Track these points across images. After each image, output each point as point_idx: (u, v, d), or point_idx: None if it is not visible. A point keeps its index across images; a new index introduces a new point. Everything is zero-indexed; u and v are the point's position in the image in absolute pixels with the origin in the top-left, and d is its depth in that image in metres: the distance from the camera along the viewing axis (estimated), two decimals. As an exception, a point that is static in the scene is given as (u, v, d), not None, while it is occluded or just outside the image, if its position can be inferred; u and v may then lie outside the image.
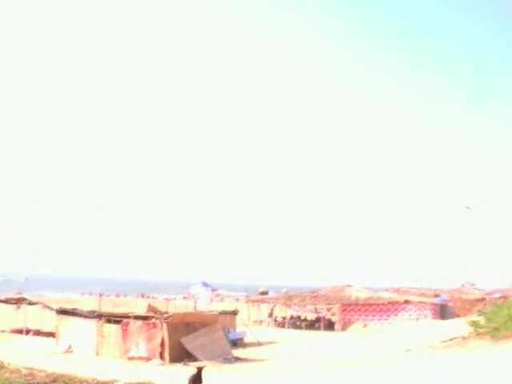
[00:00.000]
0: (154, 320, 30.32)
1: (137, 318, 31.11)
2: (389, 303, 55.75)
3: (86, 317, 32.72)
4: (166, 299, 72.37)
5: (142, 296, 77.92)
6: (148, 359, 29.17)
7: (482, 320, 29.09)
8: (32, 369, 23.99)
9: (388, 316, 55.07)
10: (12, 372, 23.53)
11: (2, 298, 41.60)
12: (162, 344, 29.39)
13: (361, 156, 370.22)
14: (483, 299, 61.08)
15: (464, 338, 27.31)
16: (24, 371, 23.59)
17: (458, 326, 32.90)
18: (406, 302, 56.04)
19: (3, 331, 36.81)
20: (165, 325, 29.64)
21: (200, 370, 16.17)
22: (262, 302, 63.44)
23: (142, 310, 32.53)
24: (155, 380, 19.99)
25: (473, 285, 74.73)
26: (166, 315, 30.58)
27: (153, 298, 77.76)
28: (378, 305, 55.75)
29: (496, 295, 61.57)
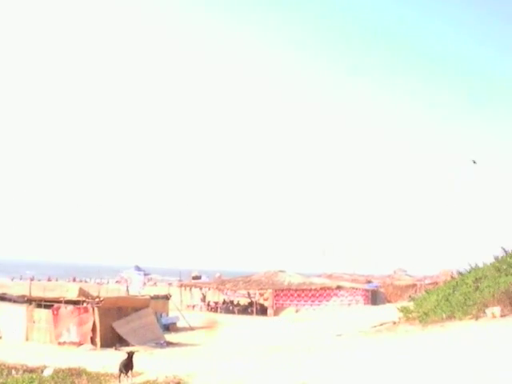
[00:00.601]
0: (85, 304, 30.07)
1: (68, 302, 30.80)
2: (321, 289, 56.34)
3: (15, 302, 32.24)
4: (98, 283, 71.72)
5: (74, 280, 76.82)
6: (79, 344, 28.96)
7: (412, 305, 29.68)
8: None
9: (320, 301, 55.70)
10: None
11: None
12: (94, 329, 29.21)
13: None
14: (414, 285, 62.25)
15: (394, 323, 27.86)
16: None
17: (389, 311, 33.53)
18: (338, 287, 56.73)
19: None
20: (96, 309, 29.44)
21: (131, 354, 16.11)
22: (195, 286, 63.37)
23: (73, 295, 32.21)
24: (86, 365, 19.84)
25: (404, 271, 75.89)
26: (97, 300, 30.37)
27: (85, 282, 76.85)
28: (310, 290, 56.29)
29: (426, 281, 62.72)
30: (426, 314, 25.49)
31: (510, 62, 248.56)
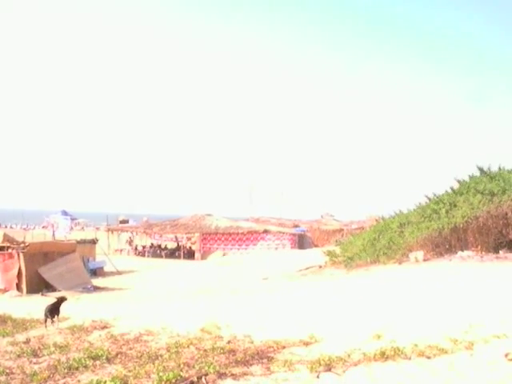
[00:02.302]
0: (10, 250, 29.78)
1: (-8, 249, 30.41)
2: (248, 232, 57.02)
3: None
4: (23, 229, 70.69)
5: (-1, 226, 75.54)
6: (5, 291, 28.77)
7: (338, 250, 30.38)
8: None
9: (247, 245, 56.43)
10: None
11: None
12: (19, 275, 29.03)
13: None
14: (341, 230, 63.48)
15: (320, 266, 28.55)
16: None
17: (316, 255, 34.26)
18: (266, 231, 57.50)
19: None
20: (21, 255, 29.22)
21: (58, 300, 16.21)
22: (122, 230, 63.29)
23: (-5, 241, 31.80)
24: (12, 311, 19.83)
25: (331, 216, 77.04)
26: (22, 245, 30.11)
27: (10, 227, 75.73)
28: (237, 234, 56.92)
29: (353, 226, 64.06)
30: (351, 258, 26.18)
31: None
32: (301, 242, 58.95)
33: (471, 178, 25.65)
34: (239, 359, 9.77)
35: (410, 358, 8.88)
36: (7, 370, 10.35)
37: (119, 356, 11.06)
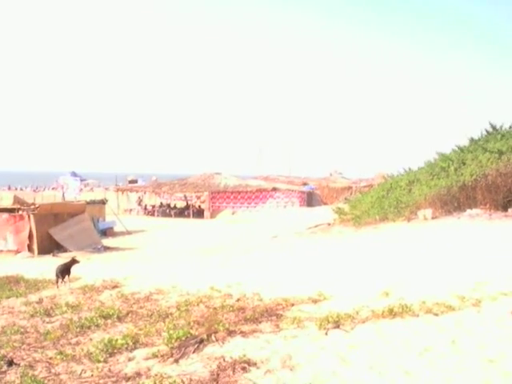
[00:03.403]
0: (20, 212, 29.97)
1: (2, 211, 30.60)
2: (257, 191, 56.92)
3: None
4: (34, 191, 71.01)
5: (9, 188, 75.80)
6: (17, 252, 29.01)
7: (346, 207, 30.35)
8: None
9: (256, 203, 56.42)
10: None
11: None
12: (30, 236, 29.24)
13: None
14: (349, 188, 63.13)
15: (329, 224, 28.54)
16: None
17: (325, 213, 34.29)
18: (274, 189, 57.36)
19: None
20: (32, 216, 29.39)
21: (70, 261, 16.39)
22: (131, 190, 63.35)
23: (8, 203, 31.98)
24: (24, 272, 20.06)
25: (340, 174, 76.46)
26: (32, 207, 30.29)
27: (20, 190, 75.96)
28: (246, 192, 56.87)
29: (362, 184, 63.66)
30: (359, 215, 26.18)
31: None
32: (309, 199, 58.85)
33: (480, 136, 25.55)
34: (248, 317, 9.90)
35: (417, 315, 8.98)
36: (22, 329, 10.55)
37: (130, 315, 11.23)
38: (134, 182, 72.06)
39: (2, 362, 8.25)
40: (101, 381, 7.44)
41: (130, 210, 60.03)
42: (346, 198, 43.59)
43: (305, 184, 65.37)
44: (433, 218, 21.09)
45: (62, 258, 23.38)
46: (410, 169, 29.91)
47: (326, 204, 55.93)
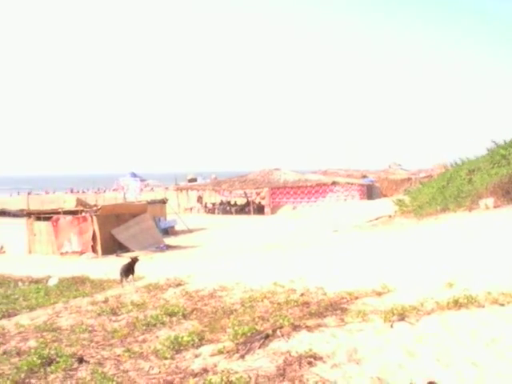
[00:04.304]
0: (83, 214, 30.51)
1: (66, 213, 31.23)
2: (317, 185, 56.56)
3: (15, 216, 32.67)
4: (95, 193, 72.22)
5: (72, 192, 77.27)
6: (81, 253, 29.58)
7: (407, 199, 30.02)
8: (-34, 270, 24.00)
9: (316, 198, 56.05)
10: None
11: None
12: (94, 237, 29.77)
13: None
14: (409, 179, 62.35)
15: (390, 216, 28.30)
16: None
17: (385, 205, 33.92)
18: (334, 183, 56.90)
19: None
20: (95, 218, 29.92)
21: (132, 260, 16.57)
22: (191, 189, 63.72)
23: (71, 205, 32.57)
24: (89, 273, 20.40)
25: (399, 165, 75.64)
26: (95, 208, 30.80)
27: (82, 192, 77.31)
28: (306, 187, 56.53)
29: (421, 175, 62.82)
30: (420, 206, 25.86)
31: None
32: (369, 192, 58.25)
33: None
34: (313, 311, 9.83)
35: (483, 306, 8.79)
36: (89, 328, 10.71)
37: (194, 312, 11.27)
38: (193, 180, 72.60)
39: (73, 360, 8.37)
40: (168, 377, 7.47)
41: (191, 208, 60.42)
42: (406, 190, 43.08)
43: (364, 177, 64.83)
44: (495, 207, 20.65)
45: (126, 258, 23.69)
46: (469, 157, 29.39)
47: (385, 196, 55.29)
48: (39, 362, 8.26)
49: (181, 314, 11.01)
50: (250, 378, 7.07)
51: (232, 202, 60.92)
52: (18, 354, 9.16)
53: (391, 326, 8.45)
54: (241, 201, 61.84)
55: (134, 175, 77.91)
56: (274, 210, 54.95)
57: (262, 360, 7.71)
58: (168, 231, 38.99)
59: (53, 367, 8.11)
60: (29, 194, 62.74)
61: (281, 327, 8.82)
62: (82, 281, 18.68)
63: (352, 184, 57.43)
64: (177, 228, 40.62)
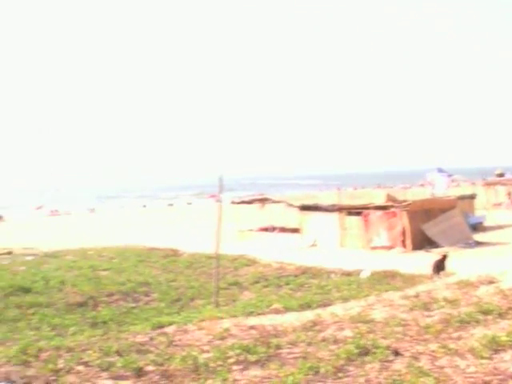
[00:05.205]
0: (393, 209, 30.83)
1: (376, 208, 31.77)
2: None
3: (327, 211, 33.91)
4: (402, 188, 72.65)
5: (379, 187, 78.59)
6: (390, 248, 29.95)
7: None
8: (282, 263, 25.66)
9: None
10: (264, 266, 25.37)
11: (246, 199, 44.13)
12: (403, 232, 29.96)
13: None
14: None
15: None
16: (275, 265, 25.33)
17: None
18: None
19: (251, 230, 39.39)
20: (404, 213, 30.11)
21: (442, 256, 16.52)
22: (500, 184, 61.17)
23: (380, 201, 33.01)
24: (398, 267, 20.69)
25: None
26: (404, 203, 30.98)
27: (389, 188, 78.21)
28: None
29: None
30: None
31: None
32: None
33: None
34: None
35: None
36: (403, 322, 10.91)
37: (511, 311, 10.93)
38: (501, 175, 69.74)
39: (388, 352, 8.61)
40: (486, 377, 7.35)
41: (499, 204, 58.08)
42: None
43: None
44: None
45: (435, 254, 23.55)
46: None
47: None
48: (356, 351, 8.59)
49: (496, 312, 10.75)
50: None
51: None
52: (335, 341, 9.57)
53: None
54: None
55: (440, 170, 76.81)
56: None
57: None
58: (476, 227, 37.92)
59: (369, 357, 8.38)
60: (338, 189, 64.98)
61: None
62: (392, 275, 19.06)
63: None
64: (485, 224, 39.36)
